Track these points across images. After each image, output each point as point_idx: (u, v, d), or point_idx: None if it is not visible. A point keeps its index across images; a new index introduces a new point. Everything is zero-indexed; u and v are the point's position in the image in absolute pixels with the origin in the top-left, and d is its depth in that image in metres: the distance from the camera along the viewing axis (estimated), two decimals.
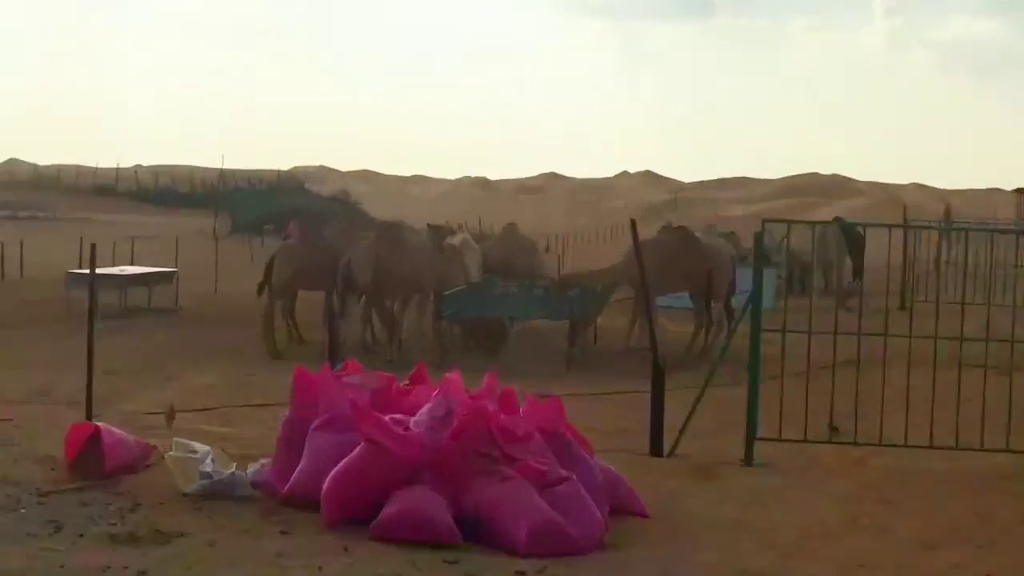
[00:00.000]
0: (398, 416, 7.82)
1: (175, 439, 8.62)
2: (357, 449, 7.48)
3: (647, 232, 16.60)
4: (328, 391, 8.02)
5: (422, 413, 7.69)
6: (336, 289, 18.60)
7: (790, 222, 15.82)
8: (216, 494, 7.92)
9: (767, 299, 13.21)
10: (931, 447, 10.36)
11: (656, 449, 10.64)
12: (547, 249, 30.37)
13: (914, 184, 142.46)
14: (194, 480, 8.01)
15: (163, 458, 8.63)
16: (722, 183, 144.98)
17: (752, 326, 10.46)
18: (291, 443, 8.05)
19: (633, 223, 11.40)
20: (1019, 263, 26.26)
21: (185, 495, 7.99)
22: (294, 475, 7.81)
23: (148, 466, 8.81)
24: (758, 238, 10.65)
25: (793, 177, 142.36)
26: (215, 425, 11.90)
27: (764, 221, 10.83)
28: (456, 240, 21.80)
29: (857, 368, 10.47)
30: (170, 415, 11.43)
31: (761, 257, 10.85)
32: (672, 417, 10.94)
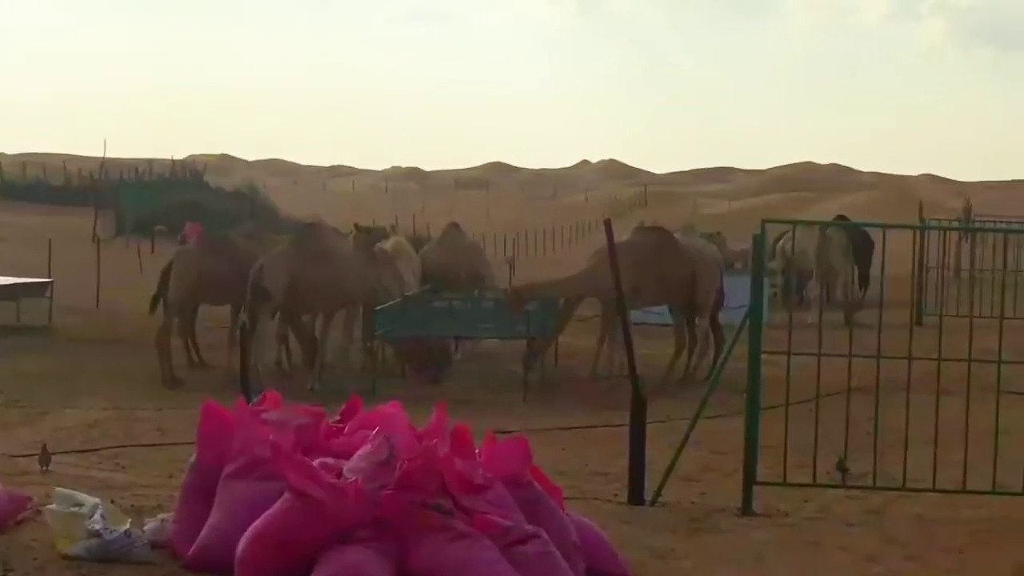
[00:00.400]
0: (328, 461, 7.65)
1: (56, 489, 8.42)
2: (280, 502, 7.30)
3: (620, 234, 16.52)
4: (243, 430, 7.84)
5: (359, 457, 7.53)
6: (246, 303, 18.42)
7: (794, 222, 15.75)
8: (106, 557, 7.68)
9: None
10: (965, 491, 10.33)
11: (637, 496, 10.54)
12: (511, 263, 30.05)
13: (926, 176, 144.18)
14: (79, 539, 7.78)
15: (40, 512, 8.43)
16: (700, 175, 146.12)
17: (751, 346, 10.39)
18: (198, 493, 7.85)
19: (608, 223, 11.31)
20: None
21: (67, 558, 7.76)
22: (202, 533, 7.62)
23: (20, 522, 8.59)
24: (758, 241, 10.59)
25: (784, 167, 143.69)
26: (101, 470, 11.73)
27: (764, 221, 10.76)
28: (389, 244, 21.72)
29: (876, 397, 10.43)
30: (45, 456, 11.28)
31: (760, 264, 10.79)
32: (652, 456, 10.86)
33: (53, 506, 8.09)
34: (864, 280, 29.70)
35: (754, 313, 10.44)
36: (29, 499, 8.88)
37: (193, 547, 7.62)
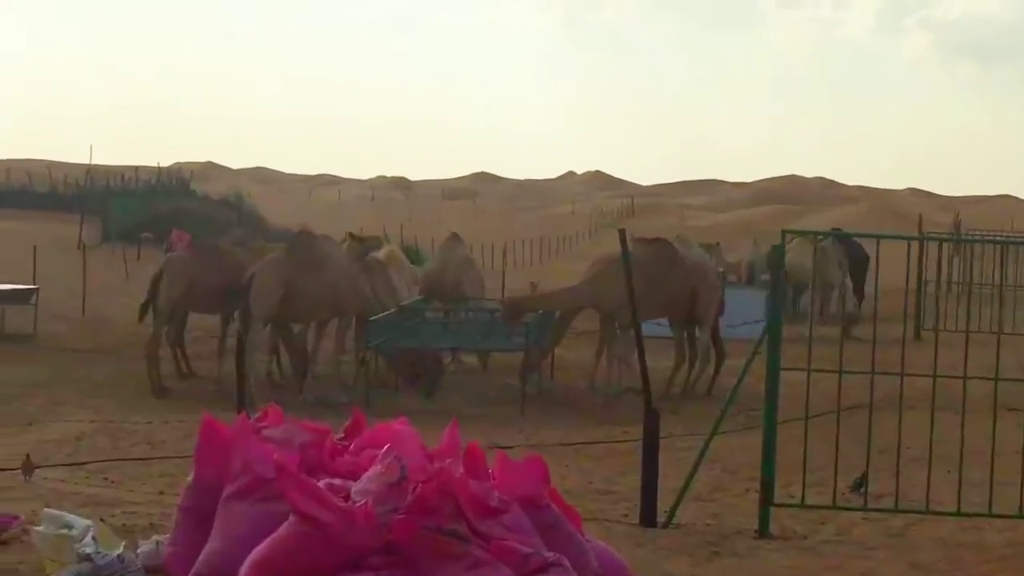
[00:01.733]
0: (335, 482, 7.22)
1: (45, 510, 8.02)
2: (284, 525, 6.88)
3: (609, 244, 16.15)
4: (244, 448, 7.40)
5: (368, 478, 7.09)
6: (241, 312, 17.99)
7: (816, 233, 15.39)
8: None
9: (760, 327, 12.66)
10: (991, 515, 9.93)
11: (649, 517, 10.10)
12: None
13: (910, 190, 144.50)
14: (69, 563, 7.37)
15: (26, 531, 8.00)
16: (686, 187, 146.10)
17: (770, 362, 9.93)
18: (196, 515, 7.43)
19: (622, 233, 10.86)
20: None
21: None
22: (201, 558, 7.20)
23: (5, 542, 8.22)
24: (776, 252, 10.18)
25: (770, 180, 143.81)
26: (89, 485, 11.31)
27: (784, 231, 10.35)
28: (382, 253, 21.25)
29: (899, 415, 10.00)
30: (28, 465, 10.91)
31: (779, 275, 10.37)
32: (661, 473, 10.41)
33: (41, 527, 7.67)
34: (860, 294, 29.38)
35: (773, 327, 10.00)
36: (18, 518, 8.53)
37: (191, 574, 7.18)
